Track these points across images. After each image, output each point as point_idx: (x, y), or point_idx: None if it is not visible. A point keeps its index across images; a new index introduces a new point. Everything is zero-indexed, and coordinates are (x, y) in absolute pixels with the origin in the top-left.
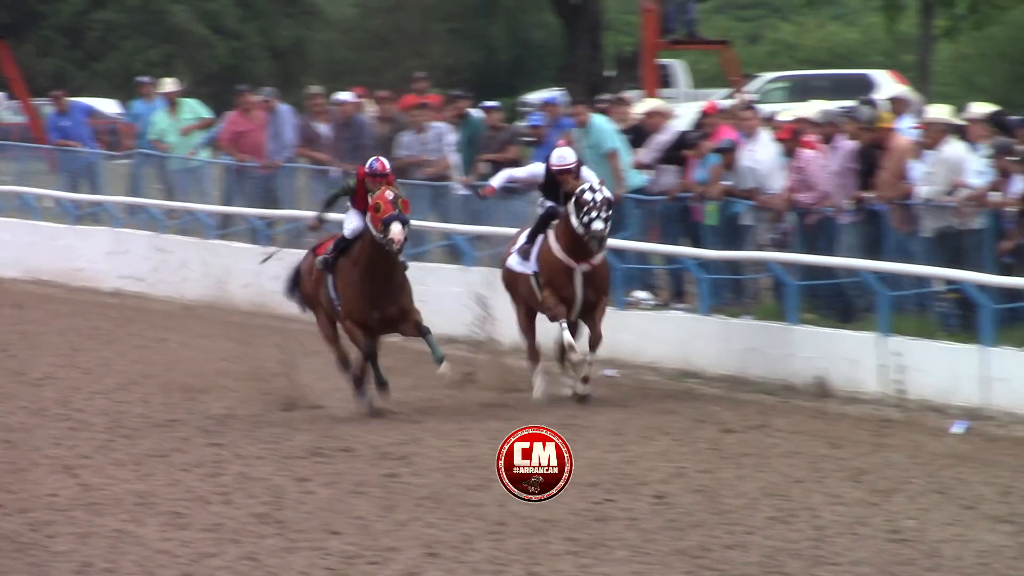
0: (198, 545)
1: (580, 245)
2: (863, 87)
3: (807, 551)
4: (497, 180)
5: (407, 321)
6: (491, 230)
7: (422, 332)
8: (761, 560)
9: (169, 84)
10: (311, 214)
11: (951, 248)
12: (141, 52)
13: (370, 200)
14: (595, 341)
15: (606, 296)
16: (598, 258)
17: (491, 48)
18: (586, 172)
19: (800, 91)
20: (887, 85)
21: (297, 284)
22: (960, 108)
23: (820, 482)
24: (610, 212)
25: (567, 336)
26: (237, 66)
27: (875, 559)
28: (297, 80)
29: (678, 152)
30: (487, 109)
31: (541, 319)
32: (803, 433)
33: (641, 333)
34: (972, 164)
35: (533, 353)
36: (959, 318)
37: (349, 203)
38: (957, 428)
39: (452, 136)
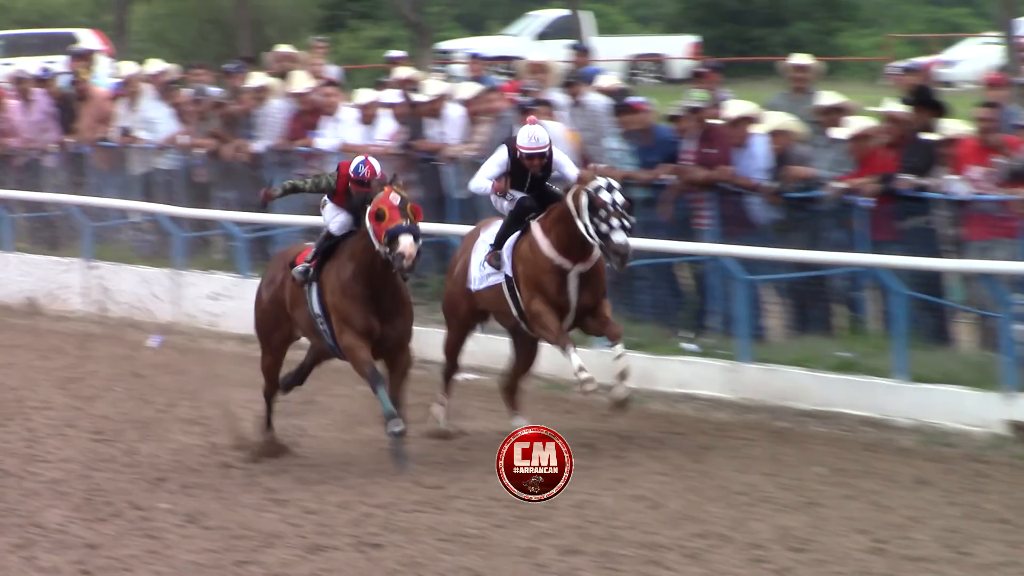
0: None
1: (577, 242)
2: (68, 44)
3: (22, 451)
4: (487, 186)
5: (400, 353)
6: None
7: (396, 399)
8: None
9: None
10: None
11: (148, 185)
12: None
13: (371, 204)
14: (615, 334)
15: (604, 296)
16: (596, 254)
17: None
18: (560, 156)
19: (13, 48)
20: (89, 42)
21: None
22: (143, 62)
23: (33, 390)
24: (632, 218)
25: (576, 360)
26: None
27: (81, 457)
28: None
29: None
30: None
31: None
32: (18, 347)
33: None
34: (159, 114)
35: (450, 373)
36: (155, 245)
37: (327, 200)
38: (153, 342)
39: None
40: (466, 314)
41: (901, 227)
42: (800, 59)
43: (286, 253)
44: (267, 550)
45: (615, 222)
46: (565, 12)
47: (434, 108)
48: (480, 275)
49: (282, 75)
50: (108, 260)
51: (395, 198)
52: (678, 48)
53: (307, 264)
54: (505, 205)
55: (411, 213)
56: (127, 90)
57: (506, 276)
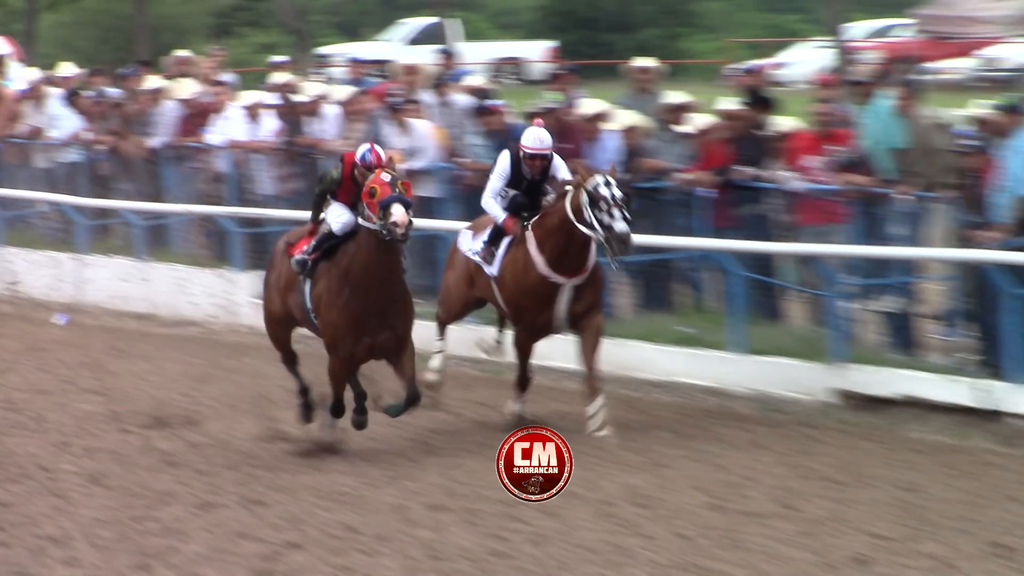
0: None
1: (573, 253)
2: None
3: None
4: (497, 208)
5: (402, 350)
6: None
7: (411, 396)
8: None
9: None
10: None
11: (54, 177)
12: None
13: (364, 186)
14: (595, 390)
15: (598, 305)
16: (591, 264)
17: None
18: (557, 161)
19: None
20: (0, 47)
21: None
22: (51, 67)
23: None
24: (630, 209)
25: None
26: None
27: None
28: None
29: None
30: None
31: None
32: None
33: None
34: (62, 113)
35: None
36: (61, 232)
37: (331, 197)
38: (59, 320)
39: None
40: (461, 306)
41: (739, 214)
42: (643, 62)
43: (288, 237)
44: (162, 507)
45: (616, 212)
46: (434, 20)
47: (312, 108)
48: (472, 253)
49: (180, 77)
50: (18, 246)
51: (385, 176)
52: (537, 52)
53: (306, 256)
54: (499, 202)
55: (402, 188)
56: (34, 93)
57: (493, 276)
